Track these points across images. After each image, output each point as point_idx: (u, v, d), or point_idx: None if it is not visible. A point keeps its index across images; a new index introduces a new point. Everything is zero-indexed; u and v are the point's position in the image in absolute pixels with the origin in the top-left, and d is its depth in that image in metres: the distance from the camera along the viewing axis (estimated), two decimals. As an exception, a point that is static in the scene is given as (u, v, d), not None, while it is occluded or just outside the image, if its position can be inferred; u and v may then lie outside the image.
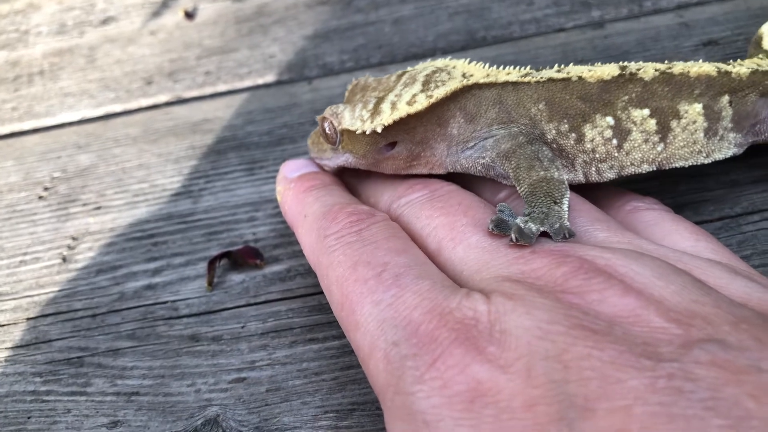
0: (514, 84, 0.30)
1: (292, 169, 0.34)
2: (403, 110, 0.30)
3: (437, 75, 0.30)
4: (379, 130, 0.30)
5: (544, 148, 0.28)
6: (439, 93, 0.29)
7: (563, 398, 0.19)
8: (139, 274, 0.38)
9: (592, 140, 0.29)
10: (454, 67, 0.31)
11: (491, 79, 0.30)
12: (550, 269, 0.23)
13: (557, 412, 0.19)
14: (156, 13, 0.59)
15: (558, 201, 0.27)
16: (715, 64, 0.30)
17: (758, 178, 0.35)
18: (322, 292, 0.34)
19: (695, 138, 0.30)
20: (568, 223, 0.26)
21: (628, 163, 0.30)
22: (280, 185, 0.34)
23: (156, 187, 0.43)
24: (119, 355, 0.34)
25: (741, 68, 0.30)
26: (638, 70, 0.30)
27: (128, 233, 0.40)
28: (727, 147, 0.31)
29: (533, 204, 0.27)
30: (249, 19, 0.56)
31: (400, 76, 0.32)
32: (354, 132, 0.31)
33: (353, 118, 0.31)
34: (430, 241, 0.27)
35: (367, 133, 0.30)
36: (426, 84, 0.30)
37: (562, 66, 0.31)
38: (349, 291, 0.26)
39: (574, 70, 0.30)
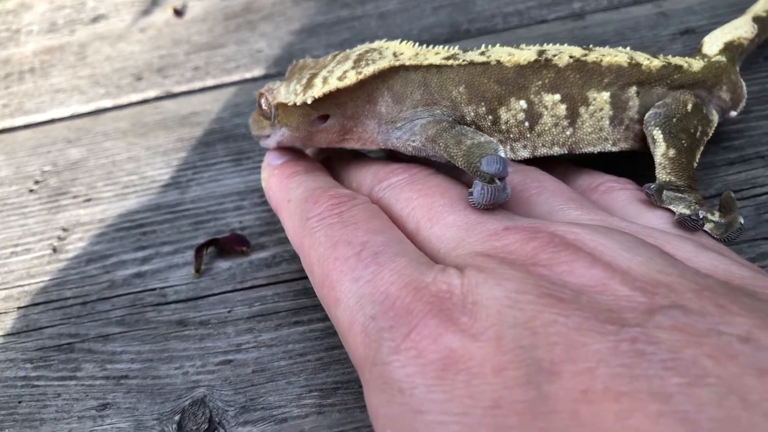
0: (438, 67, 0.31)
1: (276, 157, 0.35)
2: (333, 84, 0.31)
3: (369, 54, 0.32)
4: (309, 101, 0.31)
5: (465, 128, 0.29)
6: (368, 70, 0.30)
7: (531, 362, 0.20)
8: (129, 263, 0.38)
9: (506, 122, 0.31)
10: (387, 48, 0.32)
11: (417, 61, 0.31)
12: (521, 244, 0.24)
13: (525, 375, 0.19)
14: (146, 11, 0.60)
15: (496, 152, 0.28)
16: (633, 54, 0.31)
17: (732, 160, 0.36)
18: (305, 277, 0.35)
19: (601, 125, 0.31)
20: (503, 152, 0.27)
21: (540, 145, 0.31)
22: (264, 172, 0.35)
23: (145, 178, 0.44)
24: (109, 340, 0.35)
25: (654, 61, 0.31)
26: (554, 56, 0.31)
27: (118, 224, 0.41)
28: (633, 138, 0.32)
29: (473, 169, 0.28)
30: (237, 15, 0.57)
31: (335, 56, 0.33)
32: (287, 105, 0.32)
33: (287, 93, 0.32)
34: (409, 222, 0.28)
35: (298, 104, 0.31)
36: (357, 62, 0.31)
37: (488, 47, 0.32)
38: (329, 269, 0.26)
39: (495, 54, 0.31)
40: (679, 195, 0.29)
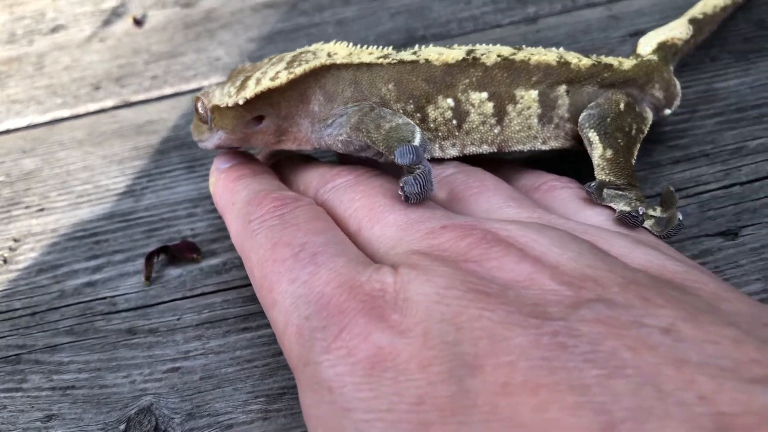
0: (368, 65, 0.31)
1: (224, 161, 0.35)
2: (265, 85, 0.31)
3: (303, 55, 0.32)
4: (241, 102, 0.31)
5: (384, 110, 0.30)
6: (299, 70, 0.30)
7: (454, 357, 0.20)
8: (80, 272, 0.38)
9: (434, 120, 0.31)
10: (322, 49, 0.32)
11: (349, 60, 0.31)
12: (456, 241, 0.24)
13: (448, 370, 0.19)
14: (106, 21, 0.60)
15: (411, 139, 0.28)
16: (563, 53, 0.32)
17: (677, 159, 0.36)
18: (258, 283, 0.35)
19: (530, 123, 0.31)
20: (420, 143, 0.27)
21: (469, 143, 0.31)
22: (212, 176, 0.35)
23: (100, 187, 0.43)
24: (57, 351, 0.34)
25: (583, 60, 0.32)
26: (482, 55, 0.31)
27: (70, 233, 0.40)
28: (564, 137, 0.32)
29: (392, 152, 0.28)
30: (197, 24, 0.57)
31: (271, 59, 0.33)
32: (222, 107, 0.32)
33: (222, 95, 0.32)
34: (351, 223, 0.28)
35: (230, 105, 0.32)
36: (291, 63, 0.31)
37: (421, 47, 0.32)
38: (268, 271, 0.26)
39: (425, 53, 0.31)
40: (620, 192, 0.29)
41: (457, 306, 0.21)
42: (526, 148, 0.32)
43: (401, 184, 0.27)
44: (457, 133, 0.31)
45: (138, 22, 0.58)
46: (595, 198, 0.29)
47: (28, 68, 0.56)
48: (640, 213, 0.28)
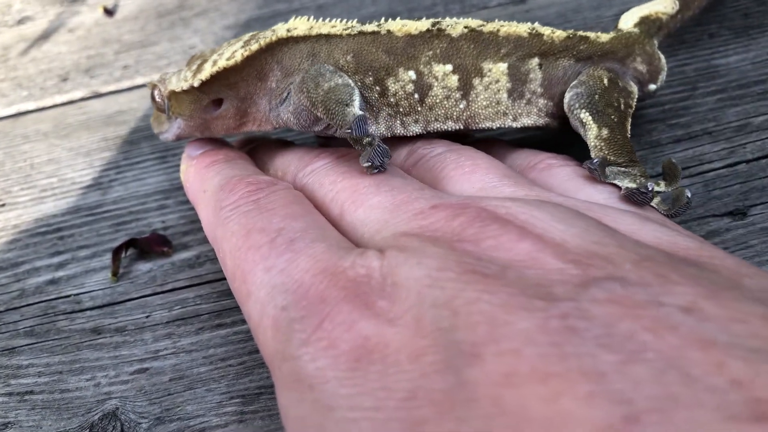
0: (327, 36, 0.29)
1: (195, 147, 0.33)
2: (221, 65, 0.29)
3: (261, 33, 0.30)
4: (196, 84, 0.30)
5: (325, 66, 0.28)
6: (255, 46, 0.29)
7: (450, 345, 0.17)
8: (42, 269, 0.35)
9: (395, 94, 0.29)
10: (281, 27, 0.30)
11: (308, 32, 0.29)
12: (447, 221, 0.22)
13: (443, 360, 0.17)
14: (75, 12, 0.57)
15: (348, 103, 0.27)
16: (536, 26, 0.30)
17: (679, 138, 0.34)
18: (234, 277, 0.32)
19: (498, 98, 0.29)
20: (360, 112, 0.26)
21: (433, 119, 0.29)
22: (183, 164, 0.32)
23: (65, 181, 0.41)
24: (15, 353, 0.31)
25: (557, 32, 0.30)
26: (448, 26, 0.29)
27: (33, 229, 0.38)
28: (537, 113, 0.30)
29: (331, 117, 0.27)
30: (171, 12, 0.54)
31: (230, 42, 0.32)
32: (178, 93, 0.31)
33: (178, 80, 0.31)
34: (332, 207, 0.26)
35: (185, 89, 0.30)
36: (248, 42, 0.30)
37: (387, 20, 0.30)
38: (241, 260, 0.24)
39: (388, 25, 0.29)
40: (623, 170, 0.27)
41: (451, 289, 0.18)
42: (496, 125, 0.30)
43: (367, 160, 0.26)
44: (419, 108, 0.29)
45: (109, 12, 0.56)
46: (599, 175, 0.26)
47: (-8, 60, 0.54)
48: (650, 189, 0.25)
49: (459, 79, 0.29)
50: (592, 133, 0.28)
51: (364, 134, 0.26)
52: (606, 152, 0.28)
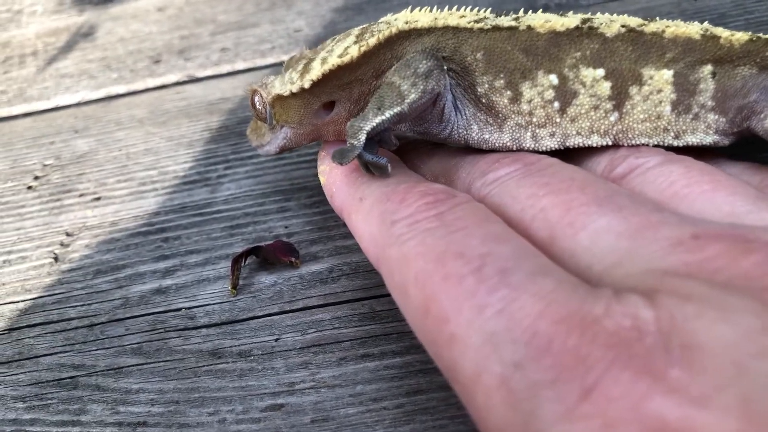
0: (455, 29, 0.26)
1: (337, 146, 0.28)
2: (334, 62, 0.26)
3: (375, 26, 0.27)
4: (306, 86, 0.27)
5: (430, 62, 0.25)
6: (372, 41, 0.26)
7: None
8: (147, 276, 0.31)
9: (530, 101, 0.25)
10: (396, 18, 0.27)
11: (433, 23, 0.26)
12: (730, 258, 0.16)
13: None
14: (164, -11, 0.53)
15: (383, 109, 0.24)
16: (707, 26, 0.24)
17: None
18: (373, 297, 0.28)
19: (659, 111, 0.24)
20: (363, 139, 0.24)
21: (574, 132, 0.25)
22: (323, 164, 0.28)
23: (166, 174, 0.36)
24: (122, 374, 0.27)
25: (737, 35, 0.24)
26: (602, 24, 0.24)
27: (133, 227, 0.34)
28: (705, 130, 0.25)
29: (364, 109, 0.25)
30: (269, -8, 0.50)
31: (335, 38, 0.28)
32: (284, 97, 0.27)
33: (283, 84, 0.28)
34: (537, 228, 0.21)
35: (295, 92, 0.27)
36: (360, 36, 0.26)
37: (527, 13, 0.26)
38: (435, 292, 0.19)
39: (527, 19, 0.25)
40: None
41: None
42: (653, 142, 0.25)
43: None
44: (558, 120, 0.25)
45: (201, -9, 0.52)
46: None
47: (78, 40, 0.50)
48: None
49: (612, 87, 0.24)
50: None
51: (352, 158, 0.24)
52: None
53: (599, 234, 0.19)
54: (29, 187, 0.38)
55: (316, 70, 0.26)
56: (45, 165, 0.39)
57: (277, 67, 0.43)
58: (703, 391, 0.14)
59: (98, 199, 0.36)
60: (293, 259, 0.29)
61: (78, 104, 0.44)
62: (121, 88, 0.44)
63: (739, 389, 0.13)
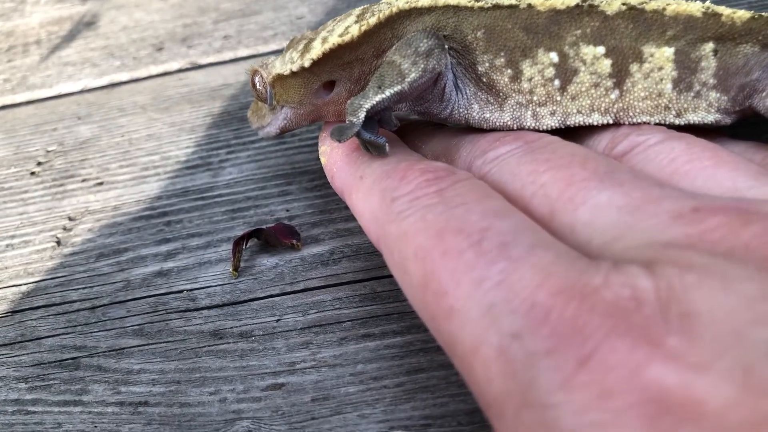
0: (455, 8, 0.26)
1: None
2: (334, 41, 0.26)
3: (376, 6, 0.27)
4: (307, 65, 0.27)
5: (431, 41, 0.25)
6: (373, 20, 0.26)
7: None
8: (149, 259, 0.31)
9: (530, 79, 0.25)
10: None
11: (433, 2, 0.25)
12: (733, 230, 0.16)
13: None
14: (167, -22, 0.53)
15: (383, 88, 0.24)
16: (709, 5, 0.24)
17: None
18: (374, 278, 0.28)
19: (660, 89, 0.24)
20: (362, 116, 0.24)
21: (575, 110, 0.25)
22: (324, 145, 0.28)
23: (168, 159, 0.36)
24: (124, 355, 0.27)
25: (739, 12, 0.24)
26: (602, 2, 0.24)
27: (135, 211, 0.34)
28: (707, 109, 0.24)
29: (365, 89, 0.25)
30: (272, -20, 0.50)
31: (335, 18, 0.28)
32: (285, 77, 0.28)
33: (283, 63, 0.28)
34: (537, 204, 0.21)
35: (295, 71, 0.27)
36: (361, 16, 0.26)
37: None
38: (435, 267, 0.19)
39: None
40: None
41: None
42: (654, 120, 0.25)
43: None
44: (558, 98, 0.25)
45: (204, -21, 0.52)
46: None
47: (80, 29, 0.50)
48: None
49: (612, 65, 0.24)
50: None
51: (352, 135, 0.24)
52: None
53: (600, 209, 0.19)
54: (32, 173, 0.38)
55: (317, 49, 0.26)
56: (48, 151, 0.39)
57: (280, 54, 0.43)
58: (702, 358, 0.14)
59: (101, 184, 0.36)
60: (294, 242, 0.29)
61: (81, 92, 0.44)
62: (124, 76, 0.44)
63: (738, 356, 0.13)
